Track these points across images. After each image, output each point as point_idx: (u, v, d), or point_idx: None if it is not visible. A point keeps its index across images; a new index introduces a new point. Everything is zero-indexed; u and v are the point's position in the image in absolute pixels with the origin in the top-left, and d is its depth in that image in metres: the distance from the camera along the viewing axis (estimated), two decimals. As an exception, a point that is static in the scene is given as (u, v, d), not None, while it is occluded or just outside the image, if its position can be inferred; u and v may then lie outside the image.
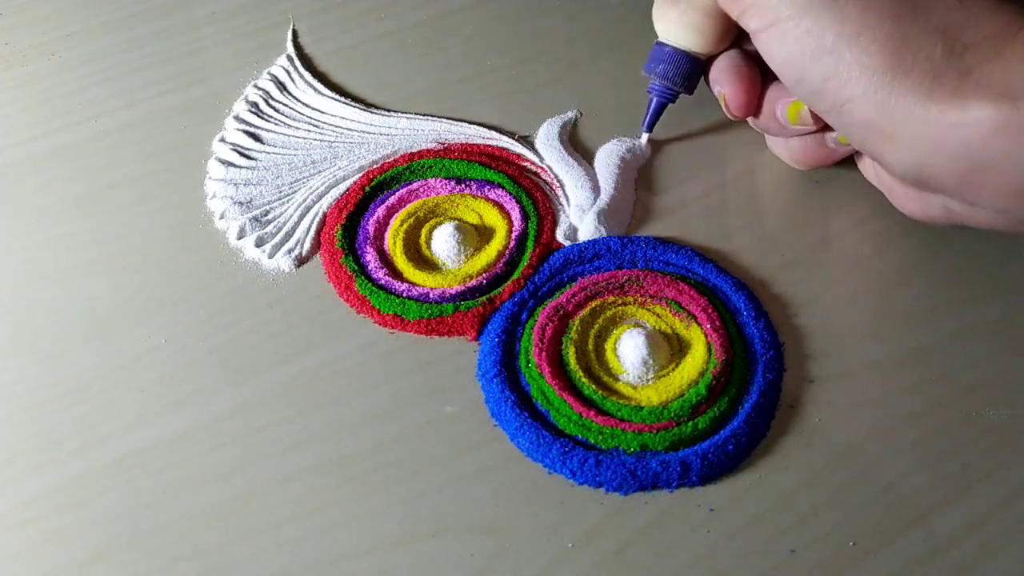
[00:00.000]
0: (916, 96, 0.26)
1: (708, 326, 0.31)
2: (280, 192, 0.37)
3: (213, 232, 0.36)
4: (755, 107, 0.33)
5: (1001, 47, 0.25)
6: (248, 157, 0.39)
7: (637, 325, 0.31)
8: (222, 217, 0.36)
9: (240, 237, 0.35)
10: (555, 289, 0.33)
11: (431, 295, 0.33)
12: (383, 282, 0.33)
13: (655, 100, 0.36)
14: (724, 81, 0.33)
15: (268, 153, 0.39)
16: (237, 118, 0.40)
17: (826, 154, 0.33)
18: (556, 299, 0.32)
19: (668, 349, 0.30)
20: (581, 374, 0.30)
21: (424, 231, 0.35)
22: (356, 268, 0.34)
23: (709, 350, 0.30)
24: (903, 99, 0.26)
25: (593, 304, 0.32)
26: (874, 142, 0.28)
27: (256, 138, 0.39)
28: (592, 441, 0.28)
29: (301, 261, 0.35)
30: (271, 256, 0.35)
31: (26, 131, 0.41)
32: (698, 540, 0.27)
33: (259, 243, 0.35)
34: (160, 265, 0.35)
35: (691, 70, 0.34)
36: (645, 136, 0.37)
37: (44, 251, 0.36)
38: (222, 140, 0.40)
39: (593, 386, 0.30)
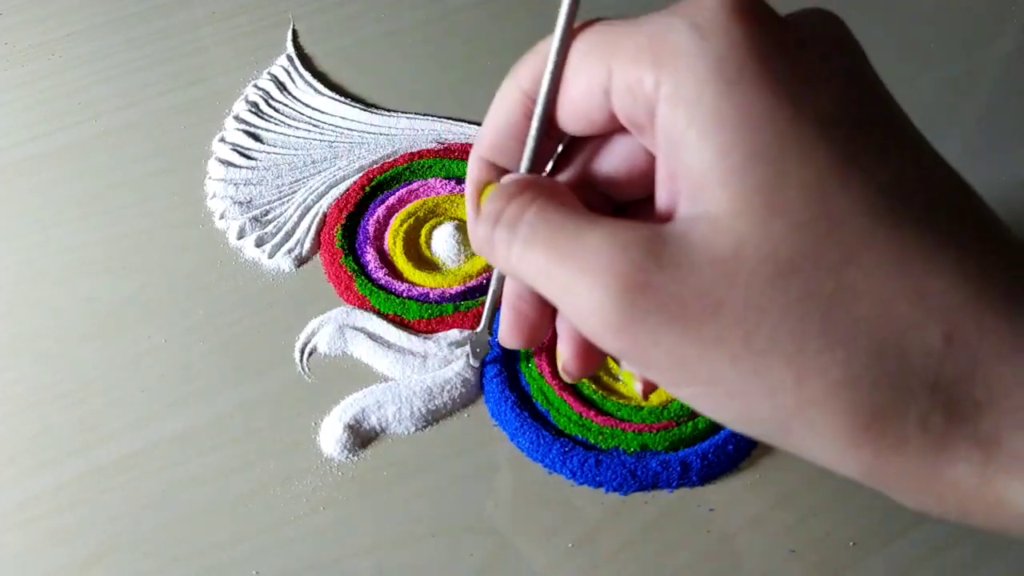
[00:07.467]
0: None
1: (708, 326, 0.31)
2: (280, 192, 0.37)
3: (213, 232, 0.36)
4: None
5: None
6: (248, 157, 0.39)
7: (637, 325, 0.31)
8: (222, 217, 0.36)
9: (240, 237, 0.35)
10: (555, 289, 0.33)
11: (431, 295, 0.33)
12: (383, 282, 0.33)
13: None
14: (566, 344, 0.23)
15: (268, 153, 0.39)
16: (237, 118, 0.40)
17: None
18: (556, 299, 0.32)
19: (668, 349, 0.30)
20: (581, 374, 0.30)
21: (424, 231, 0.35)
22: (356, 268, 0.34)
23: (709, 350, 0.30)
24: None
25: (593, 304, 0.32)
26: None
27: (256, 138, 0.39)
28: (592, 441, 0.28)
29: (301, 261, 0.35)
30: (271, 256, 0.35)
31: (26, 131, 0.41)
32: (698, 540, 0.27)
33: (259, 243, 0.35)
34: (160, 265, 0.35)
35: None
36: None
37: (44, 251, 0.36)
38: (222, 140, 0.39)
39: (593, 386, 0.30)
